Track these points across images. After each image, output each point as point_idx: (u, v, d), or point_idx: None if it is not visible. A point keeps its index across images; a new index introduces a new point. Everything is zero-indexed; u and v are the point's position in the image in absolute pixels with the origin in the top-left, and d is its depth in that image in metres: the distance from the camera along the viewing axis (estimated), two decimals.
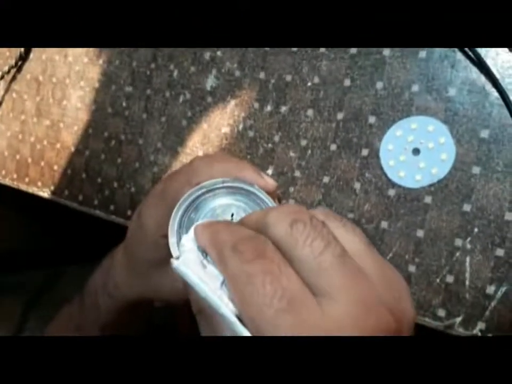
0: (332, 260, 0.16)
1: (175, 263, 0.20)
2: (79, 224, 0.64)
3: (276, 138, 0.36)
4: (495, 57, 0.29)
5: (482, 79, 0.29)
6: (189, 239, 0.22)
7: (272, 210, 0.19)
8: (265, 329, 0.16)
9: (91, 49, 0.47)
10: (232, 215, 0.25)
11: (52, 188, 0.50)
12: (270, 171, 0.36)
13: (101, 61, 0.46)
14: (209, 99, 0.39)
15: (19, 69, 0.53)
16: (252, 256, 0.17)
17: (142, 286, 0.30)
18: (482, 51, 0.29)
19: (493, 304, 0.28)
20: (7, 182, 0.54)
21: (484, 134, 0.29)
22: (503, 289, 0.28)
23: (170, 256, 0.25)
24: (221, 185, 0.24)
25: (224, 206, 0.24)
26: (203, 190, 0.24)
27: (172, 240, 0.24)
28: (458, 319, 0.29)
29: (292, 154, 0.35)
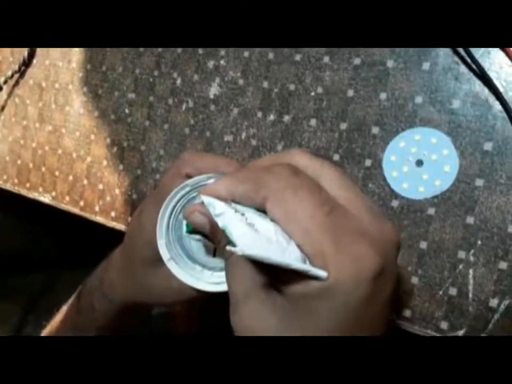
0: (349, 182, 0.20)
1: (238, 251, 0.16)
2: (80, 229, 0.64)
3: (279, 147, 0.36)
4: (499, 70, 0.29)
5: (486, 91, 0.29)
6: (216, 206, 0.18)
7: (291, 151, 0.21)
8: (316, 235, 0.17)
9: (94, 56, 0.47)
10: None
11: (53, 193, 0.50)
12: None
13: (104, 68, 0.46)
14: (212, 107, 0.39)
15: (22, 75, 0.53)
16: (288, 173, 0.18)
17: (137, 287, 0.29)
18: (486, 64, 0.29)
19: (496, 317, 0.28)
20: (8, 186, 0.54)
21: (487, 146, 0.29)
22: (506, 302, 0.28)
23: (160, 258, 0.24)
24: (205, 182, 0.23)
25: None
26: (187, 189, 0.23)
27: (161, 241, 0.24)
28: (461, 332, 0.29)
29: None
